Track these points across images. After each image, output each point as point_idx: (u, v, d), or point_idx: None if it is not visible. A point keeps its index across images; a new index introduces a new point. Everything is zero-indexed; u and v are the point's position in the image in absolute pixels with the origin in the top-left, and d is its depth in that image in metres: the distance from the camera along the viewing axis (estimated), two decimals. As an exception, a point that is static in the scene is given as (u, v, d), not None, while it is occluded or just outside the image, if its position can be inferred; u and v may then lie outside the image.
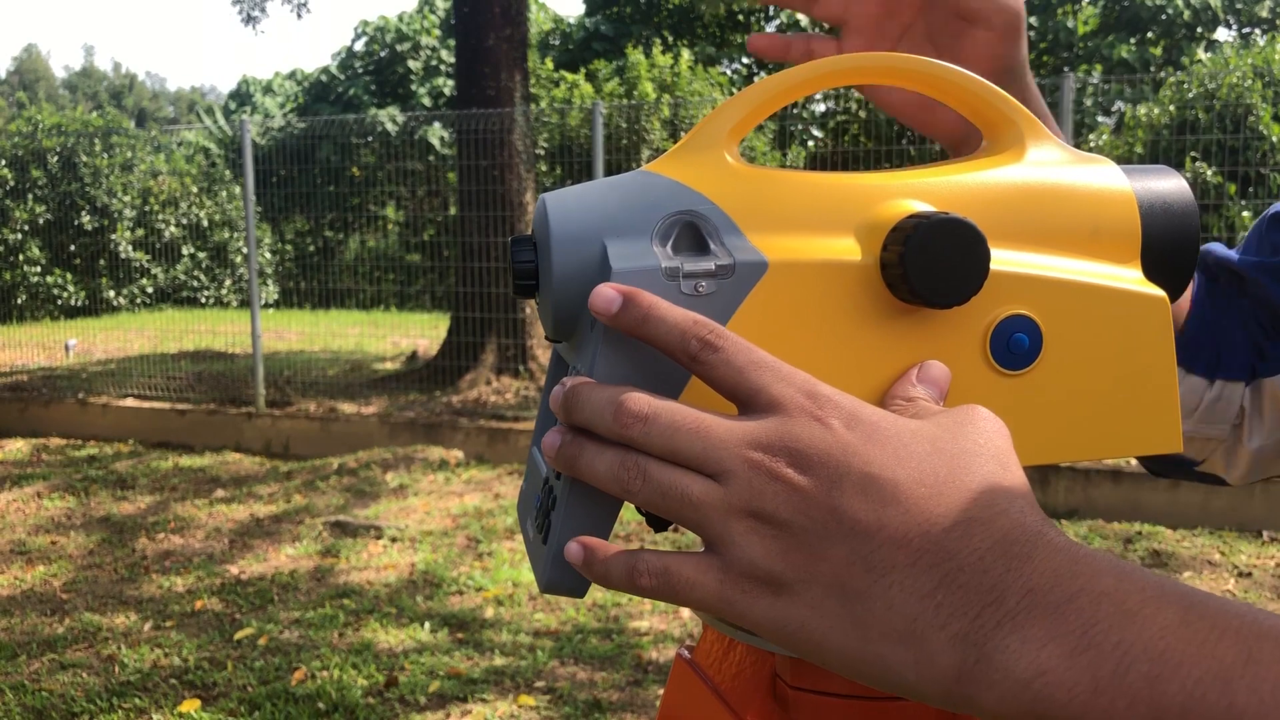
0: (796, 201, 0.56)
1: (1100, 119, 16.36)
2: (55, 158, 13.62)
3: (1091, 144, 13.73)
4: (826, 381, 0.50)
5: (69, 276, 13.54)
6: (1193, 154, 10.96)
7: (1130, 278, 0.58)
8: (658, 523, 0.56)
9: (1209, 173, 10.80)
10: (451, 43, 24.09)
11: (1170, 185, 0.60)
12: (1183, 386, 0.82)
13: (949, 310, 0.54)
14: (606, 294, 0.50)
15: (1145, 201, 0.59)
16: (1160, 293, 0.58)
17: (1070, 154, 0.60)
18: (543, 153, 12.25)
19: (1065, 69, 20.54)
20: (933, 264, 0.52)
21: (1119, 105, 15.46)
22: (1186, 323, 0.85)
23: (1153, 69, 20.25)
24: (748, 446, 0.47)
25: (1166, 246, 0.59)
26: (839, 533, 0.46)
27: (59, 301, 13.49)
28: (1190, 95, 12.34)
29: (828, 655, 0.46)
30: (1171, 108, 12.20)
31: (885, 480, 0.46)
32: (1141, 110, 13.19)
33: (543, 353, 8.53)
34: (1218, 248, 0.87)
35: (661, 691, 3.66)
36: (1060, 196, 0.58)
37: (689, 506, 0.47)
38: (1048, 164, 0.59)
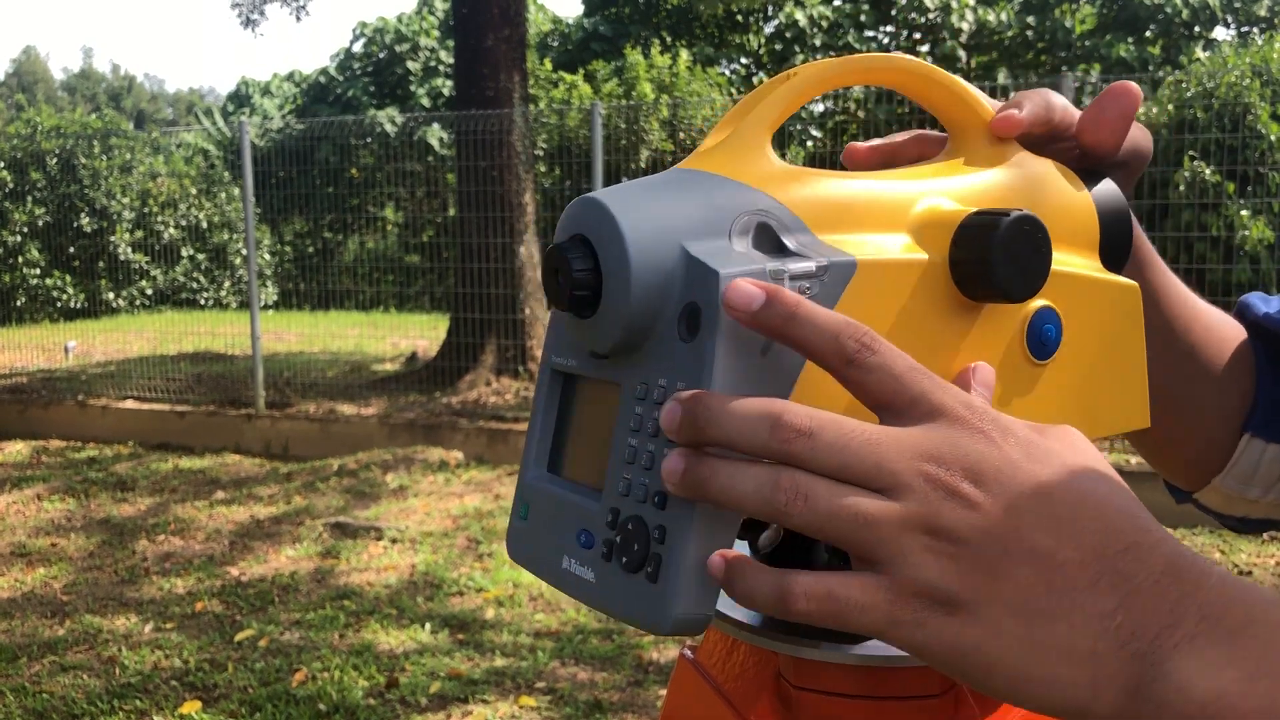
0: (849, 200, 0.56)
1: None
2: (54, 160, 13.62)
3: (1090, 143, 13.72)
4: None
5: (68, 279, 13.55)
6: (1191, 153, 10.96)
7: (1102, 270, 0.63)
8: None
9: (1207, 172, 10.80)
10: (450, 43, 24.10)
11: (1109, 188, 0.65)
12: (1265, 455, 0.81)
13: (1000, 305, 0.56)
14: (747, 290, 0.47)
15: (1098, 201, 0.64)
16: (1133, 283, 0.63)
17: (1039, 160, 0.63)
18: (541, 153, 12.25)
19: (1063, 68, 20.55)
20: (1014, 259, 0.54)
21: (1117, 105, 15.44)
22: (1258, 395, 0.82)
23: (1151, 68, 20.25)
24: (922, 459, 0.45)
25: (1112, 242, 0.64)
26: (1020, 553, 0.44)
27: (58, 304, 13.50)
28: (1189, 94, 12.34)
29: (997, 679, 0.45)
30: (1170, 107, 12.20)
31: (1057, 500, 0.45)
32: (1140, 110, 13.19)
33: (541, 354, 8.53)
34: (1262, 304, 0.85)
35: (663, 692, 3.67)
36: (1051, 196, 0.62)
37: (863, 526, 0.45)
38: (1033, 167, 0.63)
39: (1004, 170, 0.61)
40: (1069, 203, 0.62)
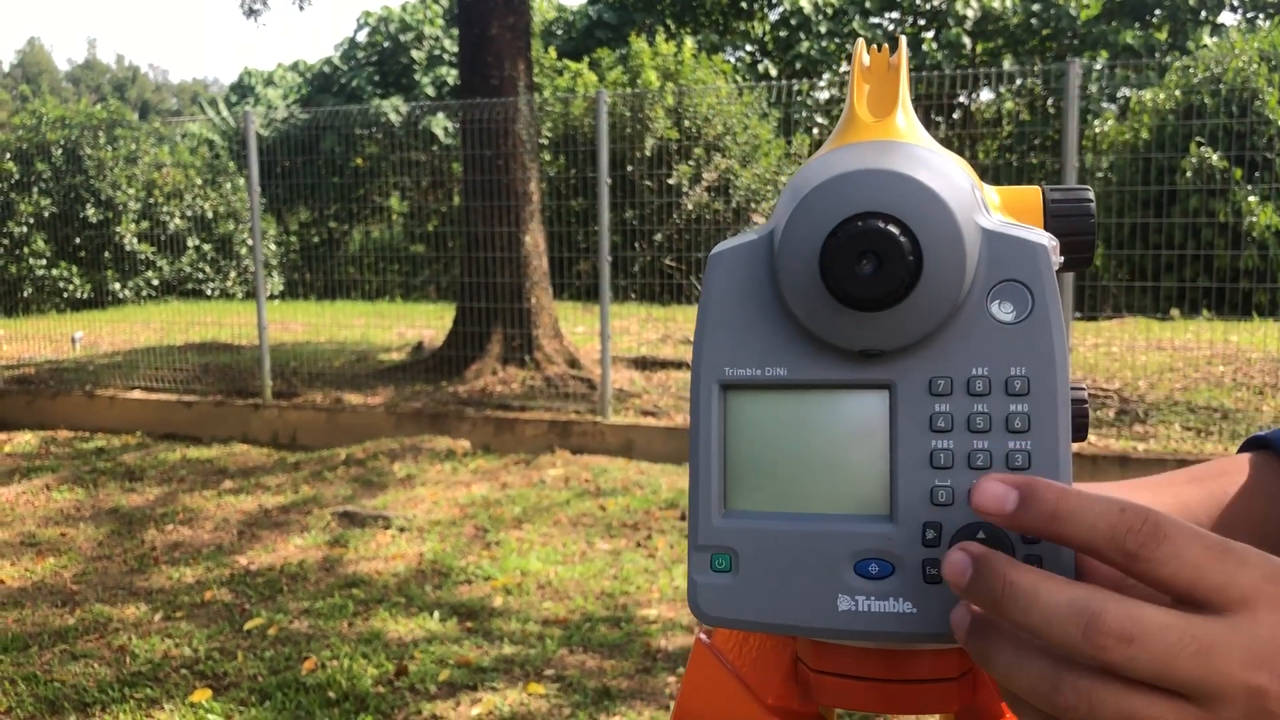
0: (972, 177, 0.54)
1: (1105, 105, 16.30)
2: (60, 151, 13.63)
3: (1096, 130, 13.69)
4: None
5: (74, 269, 13.57)
6: (1199, 139, 10.92)
7: None
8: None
9: (1215, 158, 10.76)
10: (454, 32, 24.05)
11: None
12: None
13: None
14: (995, 491, 0.42)
15: None
16: None
17: None
18: (546, 142, 12.24)
19: (1068, 55, 20.48)
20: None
21: (1124, 91, 15.42)
22: None
23: (1157, 54, 20.17)
24: (1250, 667, 0.39)
25: None
26: None
27: (64, 294, 13.52)
28: (1196, 80, 12.29)
29: None
30: (1177, 93, 12.15)
31: None
32: (1147, 95, 13.14)
33: (548, 343, 8.53)
34: None
35: (671, 679, 3.67)
36: None
37: None
38: None
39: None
40: None
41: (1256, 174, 11.26)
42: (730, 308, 0.51)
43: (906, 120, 0.52)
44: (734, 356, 0.50)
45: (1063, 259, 0.55)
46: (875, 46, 0.56)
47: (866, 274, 0.46)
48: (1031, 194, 0.56)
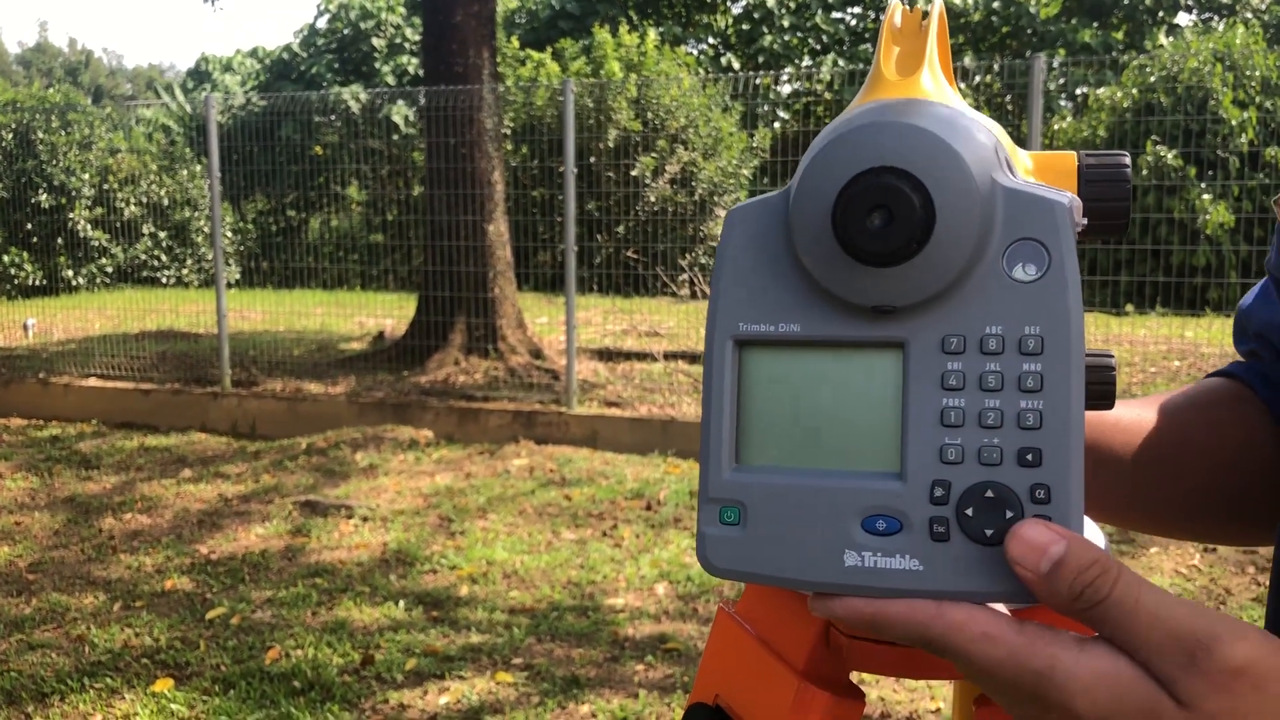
0: (999, 137, 0.54)
1: (1063, 102, 16.48)
2: (10, 134, 13.38)
3: (1054, 127, 13.84)
4: None
5: (26, 255, 13.33)
6: (1154, 137, 11.07)
7: None
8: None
9: (1170, 156, 10.92)
10: (416, 20, 23.87)
11: None
12: None
13: None
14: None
15: None
16: None
17: None
18: (508, 132, 12.17)
19: (1028, 53, 20.68)
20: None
21: (1081, 89, 15.60)
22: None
23: (1115, 53, 20.43)
24: None
25: None
26: None
27: (15, 281, 13.28)
28: (1152, 79, 12.46)
29: None
30: (1134, 91, 12.32)
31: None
32: (1104, 93, 13.31)
33: (511, 333, 8.49)
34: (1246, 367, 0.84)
35: (639, 667, 3.67)
36: None
37: None
38: None
39: None
40: None
41: (1210, 172, 11.44)
42: (745, 264, 0.51)
43: (933, 80, 0.51)
44: (748, 312, 0.50)
45: (1085, 221, 0.55)
46: (908, 7, 0.55)
47: (877, 228, 0.45)
48: (1067, 159, 0.56)
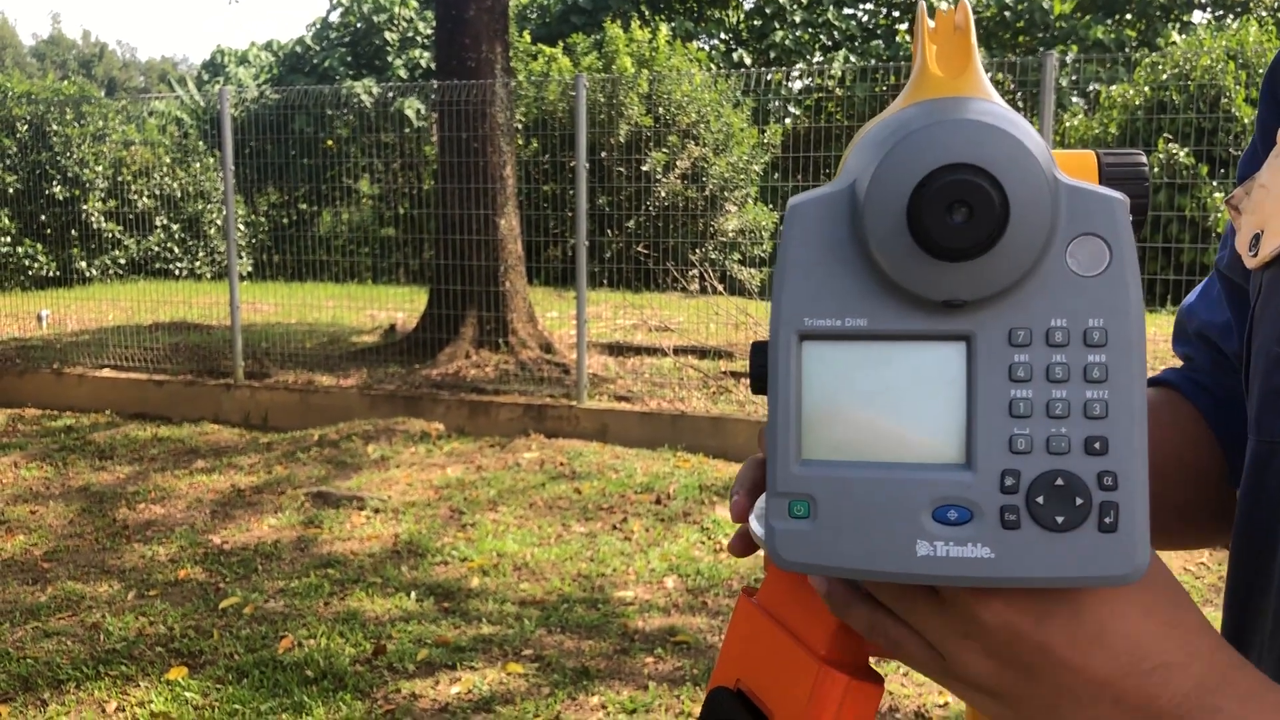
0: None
1: (1075, 99, 16.43)
2: (25, 126, 13.43)
3: (1066, 124, 13.81)
4: None
5: (39, 247, 13.38)
6: (1166, 135, 11.05)
7: None
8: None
9: (1182, 154, 10.89)
10: (428, 14, 23.88)
11: None
12: None
13: None
14: None
15: None
16: None
17: None
18: (520, 127, 12.19)
19: (1040, 49, 20.59)
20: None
21: (1093, 86, 15.55)
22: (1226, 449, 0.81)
23: (1127, 50, 20.35)
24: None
25: None
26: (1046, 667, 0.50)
27: (29, 272, 13.33)
28: (1164, 76, 12.42)
29: None
30: (1146, 88, 12.28)
31: (1087, 618, 0.49)
32: (1116, 90, 13.27)
33: (522, 327, 8.52)
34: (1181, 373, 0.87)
35: (649, 660, 3.70)
36: None
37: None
38: None
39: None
40: None
41: (1222, 170, 11.41)
42: (810, 259, 0.51)
43: (978, 78, 0.52)
44: (813, 307, 0.51)
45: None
46: (939, 8, 0.57)
47: (956, 224, 0.46)
48: (1087, 158, 0.58)
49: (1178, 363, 0.89)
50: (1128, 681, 0.49)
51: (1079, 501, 0.47)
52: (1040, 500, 0.47)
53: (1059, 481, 0.47)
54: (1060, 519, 0.47)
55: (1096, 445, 0.47)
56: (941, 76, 0.52)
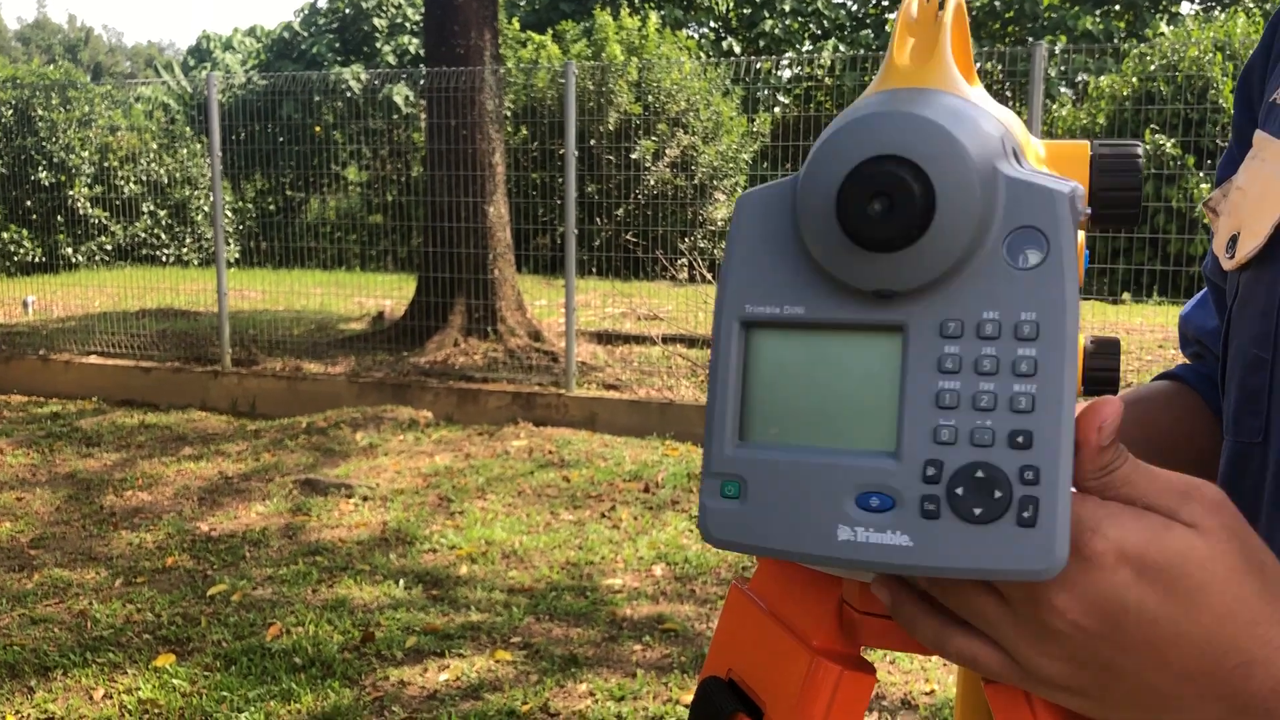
0: (1020, 132, 0.56)
1: (1063, 90, 16.45)
2: (10, 111, 13.34)
3: (1055, 114, 13.83)
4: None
5: (25, 233, 13.31)
6: (1153, 125, 11.08)
7: None
8: None
9: (1169, 145, 10.93)
10: (417, 0, 23.76)
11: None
12: None
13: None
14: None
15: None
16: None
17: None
18: (509, 114, 12.16)
19: (1029, 40, 20.62)
20: (1142, 185, 0.57)
21: (1082, 76, 15.57)
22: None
23: (1116, 40, 20.38)
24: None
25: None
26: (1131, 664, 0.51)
27: (14, 258, 13.26)
28: (1152, 67, 12.45)
29: None
30: (1134, 79, 12.31)
31: (1165, 621, 0.49)
32: (1105, 81, 13.29)
33: (510, 315, 8.51)
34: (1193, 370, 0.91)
35: (636, 647, 3.71)
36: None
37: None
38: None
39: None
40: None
41: (1209, 161, 11.44)
42: (754, 248, 0.52)
43: (942, 70, 0.52)
44: (755, 294, 0.52)
45: (1089, 210, 0.56)
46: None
47: (877, 215, 0.46)
48: (1080, 148, 0.58)
49: (1171, 354, 0.93)
50: (1212, 679, 0.49)
51: (998, 494, 0.47)
52: (960, 491, 0.47)
53: (979, 474, 0.47)
54: (978, 510, 0.47)
55: (1020, 439, 0.47)
56: (906, 67, 0.52)
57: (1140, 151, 0.57)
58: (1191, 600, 0.48)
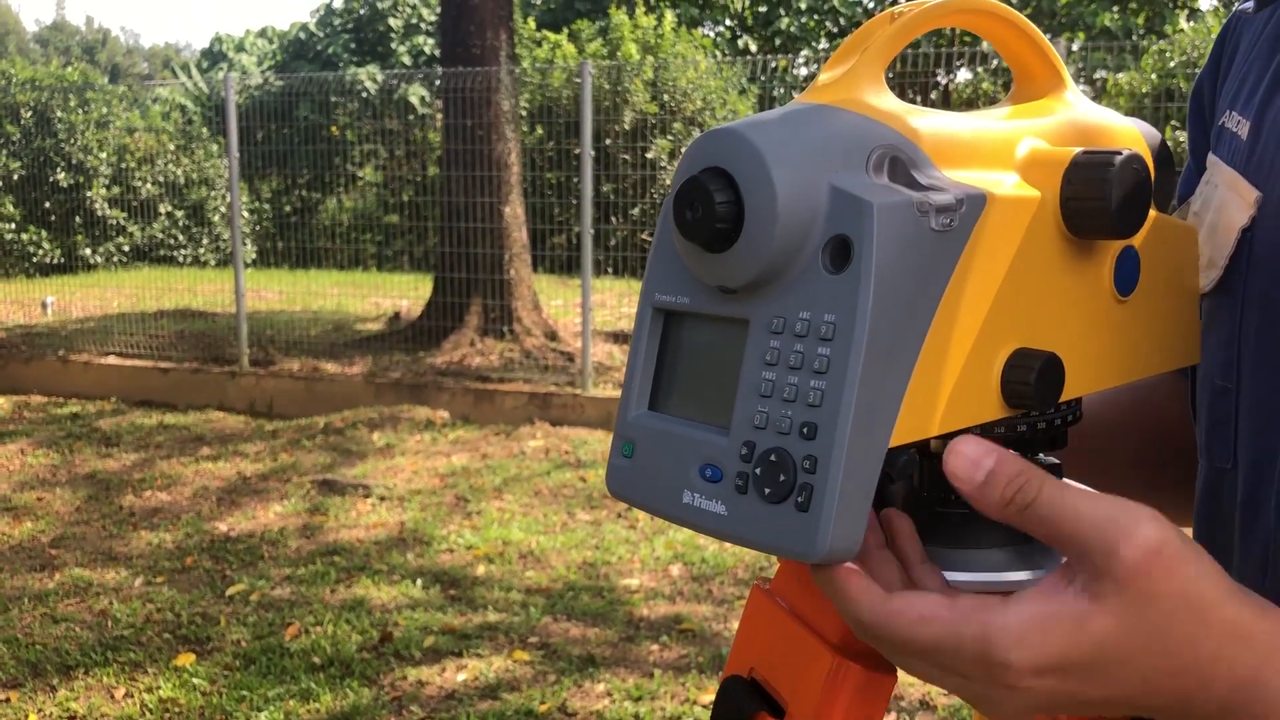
0: (965, 137, 0.57)
1: (1082, 86, 16.39)
2: (29, 113, 13.42)
3: (1073, 112, 13.75)
4: (1025, 316, 0.55)
5: (44, 234, 13.39)
6: (1174, 123, 11.01)
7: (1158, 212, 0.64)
8: None
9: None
10: (432, 1, 23.82)
11: (1152, 131, 0.66)
12: None
13: (1092, 244, 0.58)
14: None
15: (1149, 143, 0.65)
16: (1191, 226, 0.67)
17: (1091, 103, 0.66)
18: (524, 113, 12.16)
19: (1048, 36, 20.52)
20: (1126, 196, 0.56)
21: (1100, 73, 15.50)
22: None
23: (1134, 37, 20.29)
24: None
25: (1161, 185, 0.65)
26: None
27: (34, 259, 13.34)
28: (1172, 64, 12.37)
29: None
30: (1153, 76, 12.24)
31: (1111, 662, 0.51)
32: (1124, 78, 13.22)
33: (527, 315, 8.52)
34: None
35: (654, 647, 3.71)
36: (1117, 137, 0.64)
37: None
38: (1089, 109, 0.65)
39: (1073, 110, 0.64)
40: (1130, 144, 0.64)
41: (1229, 159, 11.36)
42: (666, 244, 0.59)
43: (848, 85, 0.56)
44: (662, 285, 0.59)
45: (949, 222, 0.54)
46: (890, 17, 0.58)
47: (688, 220, 0.53)
48: (1062, 155, 0.58)
49: None
50: (1168, 712, 0.52)
51: (783, 478, 0.51)
52: (759, 471, 0.52)
53: (774, 457, 0.51)
54: (768, 491, 0.52)
55: (805, 430, 0.51)
56: (819, 83, 0.57)
57: (1114, 161, 0.55)
58: (1117, 676, 0.51)
